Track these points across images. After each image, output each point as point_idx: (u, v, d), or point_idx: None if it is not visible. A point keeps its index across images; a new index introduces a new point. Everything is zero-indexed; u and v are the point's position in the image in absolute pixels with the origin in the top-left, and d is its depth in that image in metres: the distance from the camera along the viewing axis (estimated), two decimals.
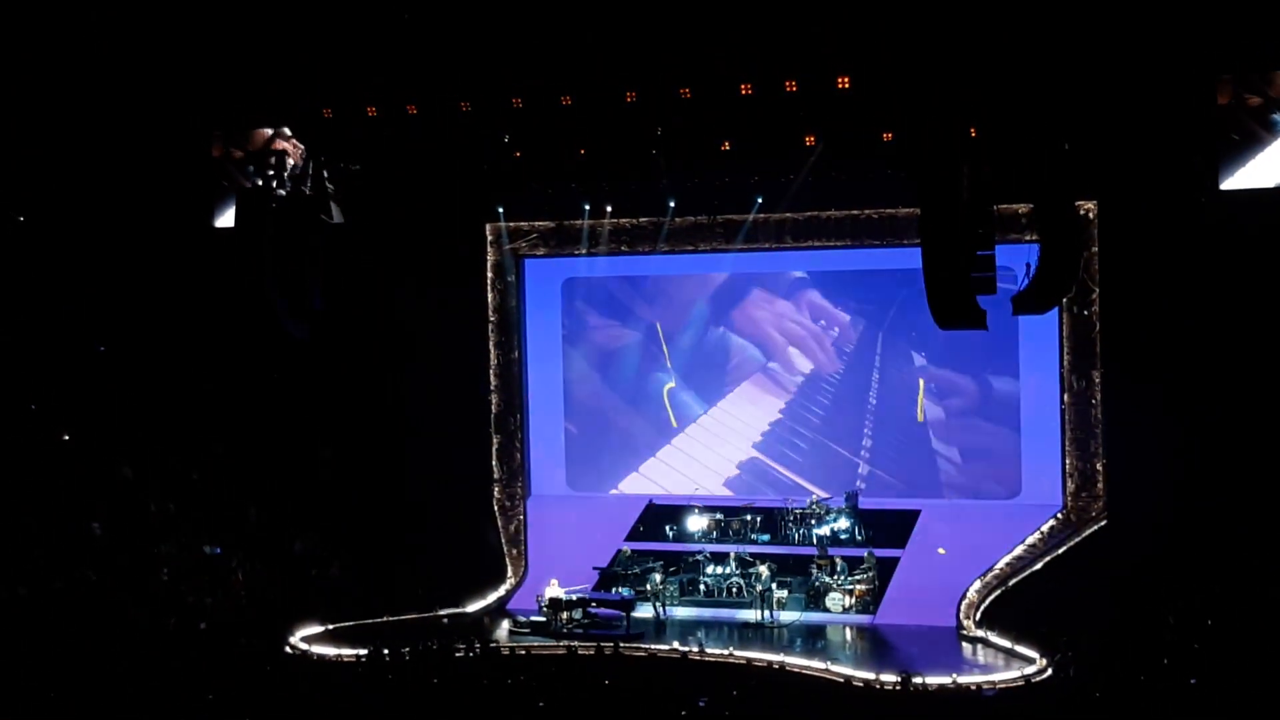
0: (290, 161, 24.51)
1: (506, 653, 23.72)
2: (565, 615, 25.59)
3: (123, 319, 28.37)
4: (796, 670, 22.74)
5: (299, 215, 23.33)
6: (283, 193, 23.55)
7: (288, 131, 24.70)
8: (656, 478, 29.18)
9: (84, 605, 23.20)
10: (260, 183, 23.80)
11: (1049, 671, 22.16)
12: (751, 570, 26.50)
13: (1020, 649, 23.55)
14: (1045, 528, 26.17)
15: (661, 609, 26.26)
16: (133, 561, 25.10)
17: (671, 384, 29.05)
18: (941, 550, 26.41)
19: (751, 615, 26.02)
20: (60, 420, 26.99)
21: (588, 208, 27.83)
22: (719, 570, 26.86)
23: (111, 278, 27.98)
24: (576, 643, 24.29)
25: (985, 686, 21.26)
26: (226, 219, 25.65)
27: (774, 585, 26.14)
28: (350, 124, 24.08)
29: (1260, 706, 16.62)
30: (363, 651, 23.26)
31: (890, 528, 27.30)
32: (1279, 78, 21.37)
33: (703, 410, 29.04)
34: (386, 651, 22.78)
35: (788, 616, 26.02)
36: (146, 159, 26.66)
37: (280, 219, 23.08)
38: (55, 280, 27.81)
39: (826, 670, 22.55)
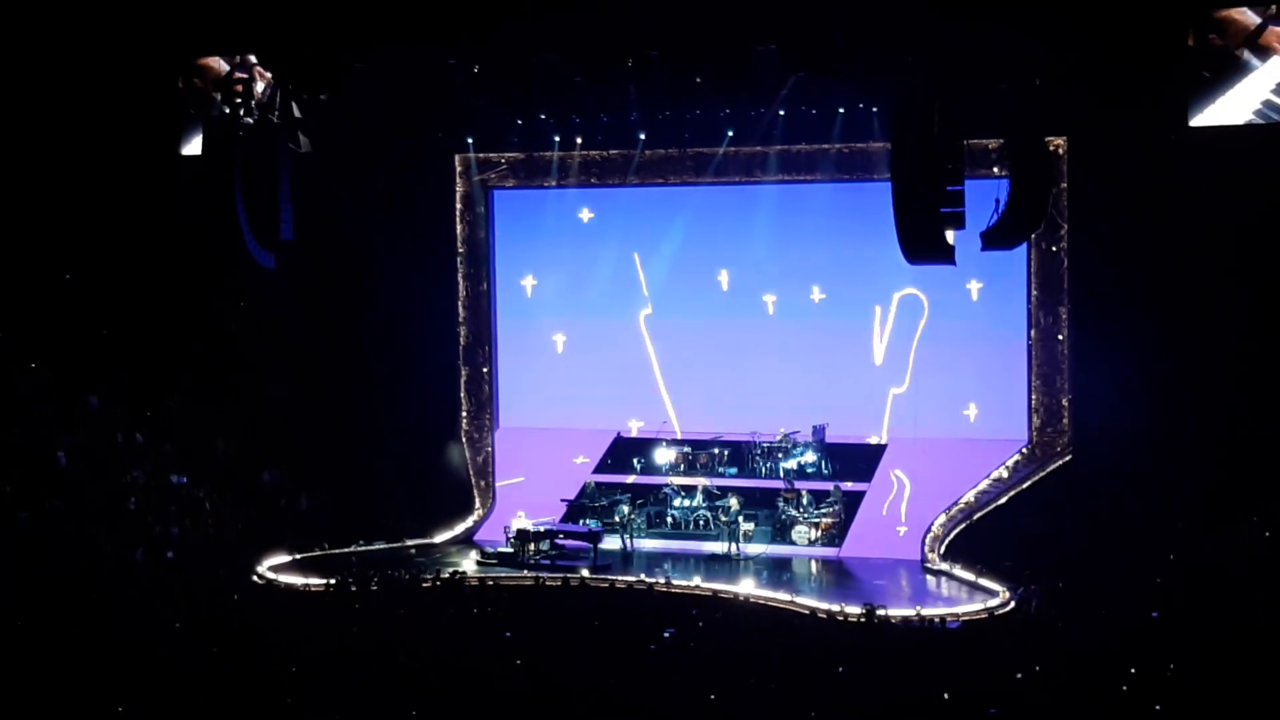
0: (257, 89, 24.34)
1: (474, 583, 23.79)
2: (532, 547, 25.69)
3: (89, 247, 28.15)
4: (762, 602, 22.90)
5: (266, 143, 23.15)
6: (250, 121, 23.36)
7: (252, 59, 24.56)
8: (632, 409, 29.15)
9: (50, 535, 23.15)
10: (227, 110, 23.59)
11: (1012, 605, 22.36)
12: (719, 503, 26.65)
13: (984, 582, 23.75)
14: (1010, 462, 26.32)
15: (629, 541, 26.39)
16: (100, 491, 25.03)
17: (648, 310, 28.94)
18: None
19: (718, 548, 26.18)
20: (26, 349, 26.84)
21: (558, 139, 27.71)
22: (686, 503, 26.99)
23: (77, 206, 27.75)
24: (543, 574, 24.41)
25: (949, 619, 21.43)
26: (194, 147, 25.50)
27: (740, 518, 26.34)
28: (318, 53, 23.91)
29: (1221, 640, 16.79)
30: (330, 581, 23.32)
31: (857, 461, 27.43)
32: (1237, 18, 21.41)
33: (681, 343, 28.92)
34: (353, 581, 22.84)
35: (754, 549, 26.18)
36: (112, 86, 26.40)
37: (248, 147, 22.91)
38: (19, 209, 27.56)
39: (792, 602, 22.69)
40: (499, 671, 16.74)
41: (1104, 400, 25.12)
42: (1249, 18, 21.53)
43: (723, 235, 28.45)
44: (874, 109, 25.18)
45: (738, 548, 26.06)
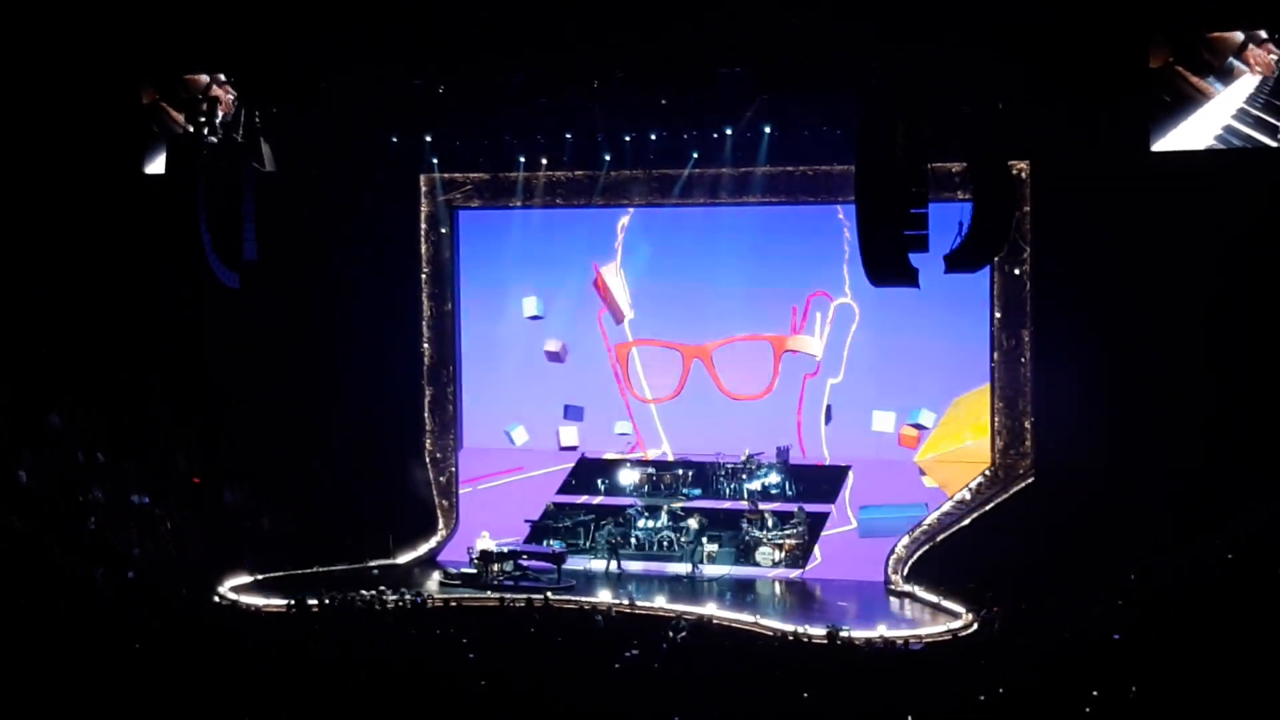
0: (222, 108, 24.28)
1: (437, 604, 23.72)
2: (496, 567, 25.66)
3: (51, 265, 27.99)
4: (725, 623, 22.88)
5: (231, 162, 23.09)
6: (214, 140, 23.29)
7: (220, 78, 24.52)
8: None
9: (10, 554, 22.97)
10: (191, 129, 23.52)
11: (974, 626, 22.42)
12: (683, 524, 26.69)
13: (947, 604, 23.80)
14: (973, 484, 26.38)
15: (615, 563, 26.40)
16: (60, 510, 24.87)
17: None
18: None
19: (682, 569, 26.20)
20: None
21: (523, 160, 27.72)
22: (650, 524, 26.99)
23: (40, 223, 27.59)
24: (507, 595, 24.34)
25: (912, 641, 21.46)
26: (157, 165, 25.40)
27: (704, 539, 26.43)
28: (284, 71, 23.90)
29: (1183, 660, 16.87)
30: (292, 602, 23.20)
31: (820, 483, 27.45)
32: (1209, 41, 21.58)
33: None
34: (315, 602, 22.75)
35: (716, 570, 26.19)
36: (76, 105, 26.29)
37: (212, 166, 22.83)
38: None
39: (755, 624, 22.71)
40: (462, 693, 16.70)
41: (1066, 422, 25.24)
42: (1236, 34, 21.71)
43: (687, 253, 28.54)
44: (838, 131, 25.25)
45: (696, 568, 26.08)
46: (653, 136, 26.36)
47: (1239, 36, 21.52)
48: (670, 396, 28.56)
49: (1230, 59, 21.39)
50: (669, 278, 28.47)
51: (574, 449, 28.89)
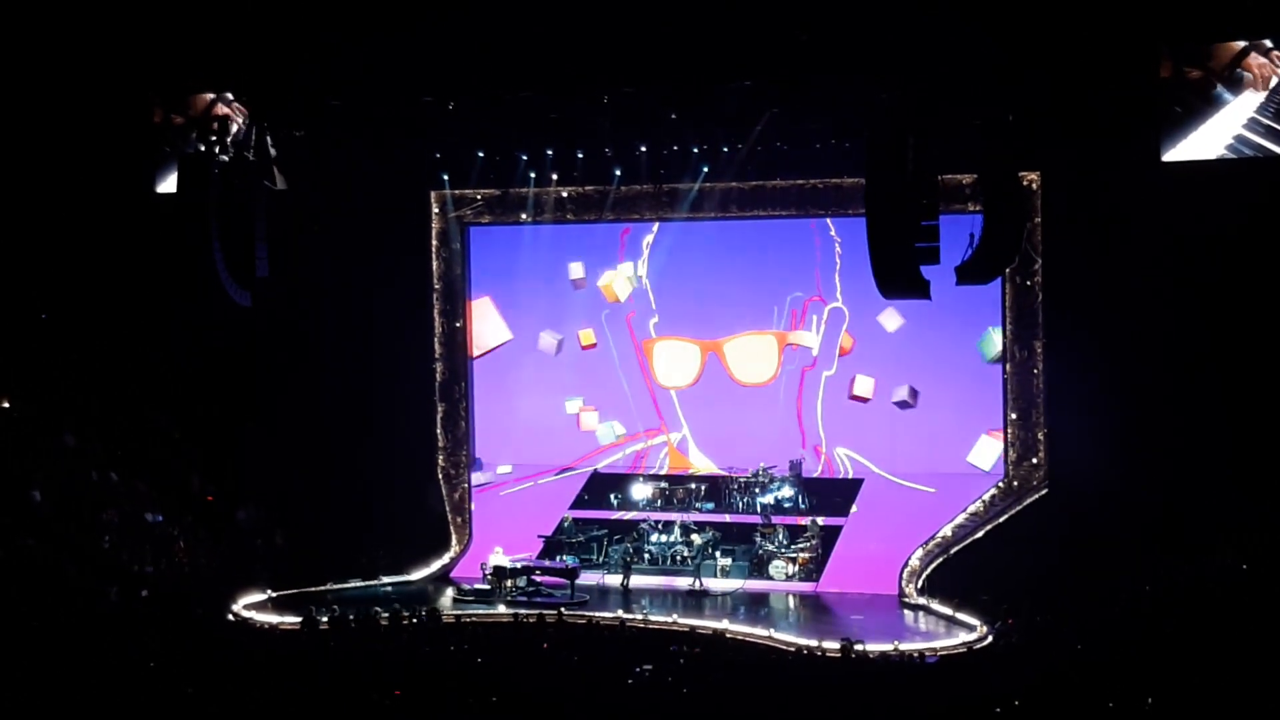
0: (233, 127, 24.34)
1: (450, 620, 23.69)
2: (509, 583, 25.63)
3: (65, 285, 28.08)
4: (739, 638, 22.83)
5: (242, 181, 23.14)
6: (225, 158, 23.35)
7: (229, 96, 24.57)
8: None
9: (24, 574, 23.00)
10: (203, 148, 23.58)
11: (990, 639, 22.35)
12: (690, 538, 26.73)
13: (961, 617, 23.74)
14: (987, 496, 26.33)
15: (626, 578, 26.36)
16: (74, 529, 24.90)
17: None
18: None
19: (695, 583, 26.17)
20: (1, 387, 26.71)
21: (533, 175, 27.74)
22: (664, 538, 26.97)
23: (52, 244, 27.67)
24: (521, 610, 24.30)
25: (927, 654, 21.40)
26: (169, 184, 25.46)
27: (716, 553, 26.41)
28: (294, 89, 23.98)
29: (1198, 672, 16.82)
30: (305, 619, 23.16)
31: (833, 496, 27.44)
32: (1218, 50, 21.57)
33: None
34: (328, 620, 22.74)
35: (725, 584, 26.14)
36: (87, 124, 26.36)
37: (223, 185, 22.88)
38: None
39: (769, 638, 22.66)
40: (476, 708, 16.68)
41: (1079, 433, 25.17)
42: (1234, 43, 21.70)
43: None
44: (847, 144, 25.25)
45: (700, 582, 26.02)
46: (664, 151, 26.39)
47: (1238, 45, 21.56)
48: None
49: (1235, 69, 21.42)
50: (685, 283, 28.82)
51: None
